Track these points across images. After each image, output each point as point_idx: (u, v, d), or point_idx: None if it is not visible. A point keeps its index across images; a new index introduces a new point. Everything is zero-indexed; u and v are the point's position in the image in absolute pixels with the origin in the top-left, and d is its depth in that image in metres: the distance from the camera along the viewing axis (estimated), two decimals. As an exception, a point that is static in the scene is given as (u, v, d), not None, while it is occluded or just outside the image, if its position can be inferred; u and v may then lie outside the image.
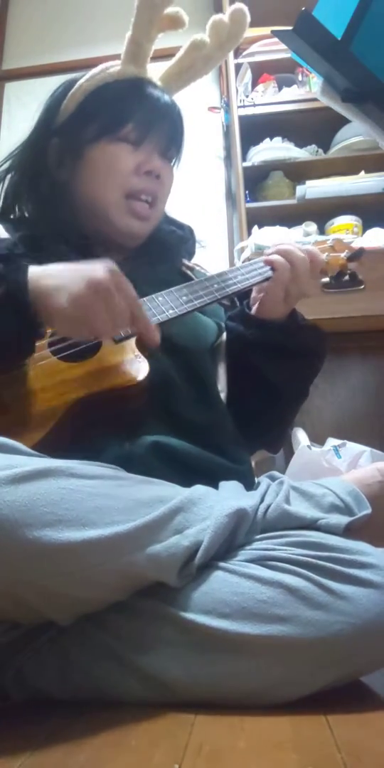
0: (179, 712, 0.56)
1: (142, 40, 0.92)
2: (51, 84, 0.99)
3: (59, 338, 0.76)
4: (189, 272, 0.98)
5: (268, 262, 0.88)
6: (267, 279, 0.88)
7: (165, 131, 0.92)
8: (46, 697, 0.61)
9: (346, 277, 0.97)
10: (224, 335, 0.96)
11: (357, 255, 0.96)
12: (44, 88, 1.01)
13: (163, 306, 0.80)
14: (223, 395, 0.90)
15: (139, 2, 0.90)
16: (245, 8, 0.95)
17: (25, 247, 0.83)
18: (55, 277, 0.69)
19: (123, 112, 0.89)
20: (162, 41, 0.96)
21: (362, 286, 0.97)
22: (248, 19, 0.95)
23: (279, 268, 0.87)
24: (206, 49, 0.96)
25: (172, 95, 0.96)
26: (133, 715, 0.55)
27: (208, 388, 0.86)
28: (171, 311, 0.80)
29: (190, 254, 1.03)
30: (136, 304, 0.70)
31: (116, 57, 0.96)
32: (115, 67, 0.93)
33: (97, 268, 0.68)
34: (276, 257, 0.87)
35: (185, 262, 1.01)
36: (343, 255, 0.96)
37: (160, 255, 0.95)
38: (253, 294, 0.92)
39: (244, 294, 0.91)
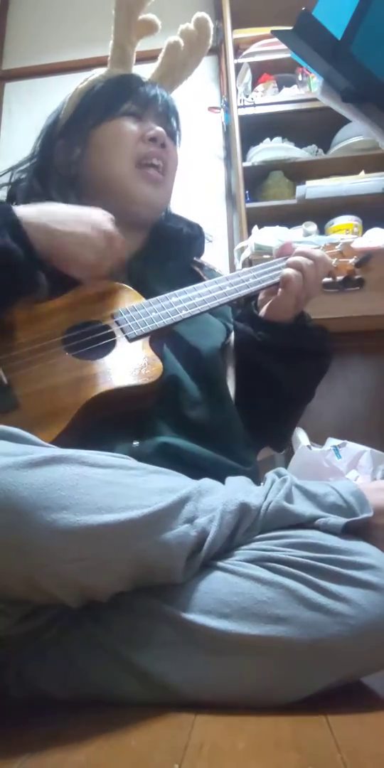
0: (179, 712, 0.56)
1: (124, 43, 1.00)
2: (51, 84, 1.03)
3: (74, 336, 0.77)
4: (199, 270, 1.00)
5: (284, 279, 0.89)
6: (278, 283, 0.89)
7: (162, 107, 0.98)
8: (46, 697, 0.61)
9: (353, 282, 0.97)
10: (232, 336, 0.96)
11: (365, 260, 0.96)
12: (44, 88, 1.05)
13: (175, 306, 0.81)
14: (231, 394, 0.91)
15: (116, 6, 0.98)
16: (207, 16, 1.04)
17: None
18: (57, 221, 0.79)
19: (121, 93, 0.96)
20: (151, 43, 1.03)
21: (362, 286, 0.97)
22: (210, 25, 1.04)
23: (292, 279, 0.88)
24: (181, 54, 1.03)
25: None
26: (133, 715, 0.55)
27: (216, 389, 0.87)
28: (184, 312, 0.81)
29: (200, 252, 1.05)
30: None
31: None
32: (104, 69, 1.01)
33: (101, 217, 0.82)
34: (289, 271, 0.88)
35: (195, 259, 1.02)
36: (351, 261, 0.97)
37: (171, 253, 0.97)
38: (261, 296, 0.93)
39: (251, 295, 0.92)
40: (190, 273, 0.97)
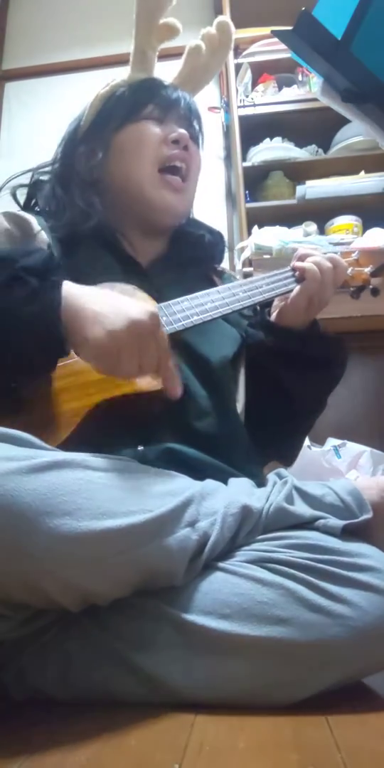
0: (179, 712, 0.56)
1: (145, 48, 0.98)
2: (51, 84, 1.02)
3: None
4: (216, 278, 0.98)
5: (300, 270, 0.88)
6: (291, 291, 0.88)
7: (184, 110, 0.96)
8: (46, 697, 0.61)
9: (367, 291, 0.97)
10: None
11: (381, 270, 0.96)
12: (44, 88, 1.04)
13: (187, 311, 0.79)
14: (240, 405, 0.89)
15: (137, 11, 0.96)
16: (228, 20, 1.03)
17: (60, 249, 0.84)
18: (93, 303, 0.67)
19: (142, 97, 0.94)
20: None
21: (376, 296, 0.98)
22: (232, 28, 1.03)
23: (309, 277, 0.86)
24: (203, 57, 1.02)
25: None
26: (133, 715, 0.55)
27: (224, 400, 0.85)
28: (196, 317, 0.79)
29: (219, 259, 1.03)
30: (166, 355, 0.68)
31: (116, 57, 0.99)
32: (125, 74, 0.99)
33: (140, 309, 0.66)
34: (309, 266, 0.87)
35: (214, 267, 1.01)
36: (367, 270, 0.96)
37: (190, 259, 0.96)
38: (275, 302, 0.92)
39: (266, 302, 0.91)
40: (207, 280, 0.96)
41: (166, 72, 1.03)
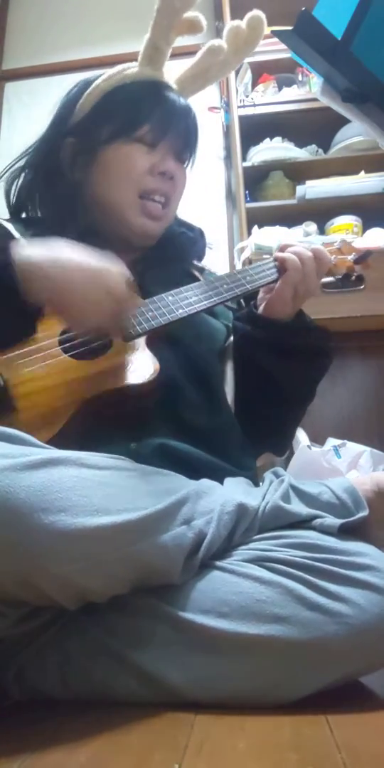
0: (179, 712, 0.56)
1: (161, 44, 0.93)
2: (51, 84, 1.00)
3: (70, 336, 0.76)
4: (198, 274, 0.98)
5: (280, 260, 0.89)
6: (275, 280, 0.88)
7: (180, 134, 0.93)
8: (46, 697, 0.61)
9: (352, 279, 0.97)
10: (232, 337, 0.96)
11: (364, 257, 0.96)
12: (44, 88, 1.02)
13: (172, 305, 0.80)
14: (229, 397, 0.90)
15: (159, 6, 0.91)
16: (262, 15, 0.96)
17: None
18: (63, 267, 0.69)
19: (140, 114, 0.90)
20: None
21: (362, 286, 0.97)
22: (265, 25, 0.97)
23: (290, 267, 0.87)
24: (223, 55, 0.97)
25: (187, 98, 0.97)
26: (133, 715, 0.55)
27: (214, 392, 0.86)
28: (181, 311, 0.80)
29: (200, 256, 1.03)
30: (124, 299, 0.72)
31: (116, 57, 0.96)
32: (132, 68, 0.94)
33: (113, 274, 0.70)
34: (288, 256, 0.88)
35: (195, 263, 1.01)
36: (349, 257, 0.97)
37: (171, 256, 0.96)
38: (260, 294, 0.93)
39: (251, 295, 0.92)
40: (190, 277, 0.96)
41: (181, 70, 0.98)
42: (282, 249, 0.91)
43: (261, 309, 0.92)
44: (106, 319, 0.71)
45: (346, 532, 0.66)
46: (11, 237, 0.82)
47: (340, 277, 0.97)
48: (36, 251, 0.71)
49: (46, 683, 0.61)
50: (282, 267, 0.89)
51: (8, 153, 0.97)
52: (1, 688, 0.62)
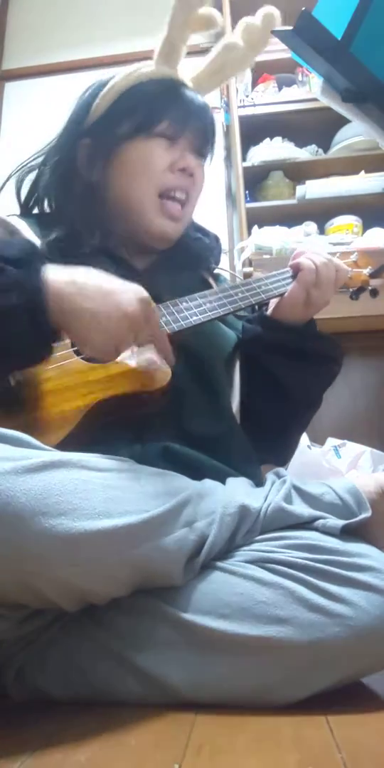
0: (179, 712, 0.56)
1: (177, 41, 0.92)
2: (51, 84, 0.99)
3: None
4: (212, 281, 0.98)
5: (294, 266, 0.89)
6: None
7: (199, 130, 0.92)
8: (46, 697, 0.61)
9: (366, 292, 0.97)
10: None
11: (380, 271, 0.96)
12: (44, 88, 1.01)
13: (187, 312, 0.80)
14: (234, 405, 0.89)
15: (175, 3, 0.90)
16: (277, 11, 0.95)
17: (50, 253, 0.81)
18: (84, 298, 0.66)
19: (159, 109, 0.89)
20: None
21: (376, 296, 0.98)
22: (279, 21, 0.96)
23: (304, 268, 0.87)
24: (238, 51, 0.97)
25: (204, 96, 0.96)
26: (133, 715, 0.55)
27: (219, 400, 0.85)
28: (195, 318, 0.79)
29: (215, 262, 1.02)
30: (160, 337, 0.72)
31: (116, 57, 0.96)
32: (148, 67, 0.93)
33: (130, 298, 0.67)
34: (303, 259, 0.88)
35: (210, 269, 1.00)
36: (365, 271, 0.97)
37: (185, 262, 0.95)
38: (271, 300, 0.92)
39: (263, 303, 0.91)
40: (204, 283, 0.95)
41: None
42: (297, 256, 0.90)
43: (270, 311, 0.91)
44: (127, 346, 0.70)
45: (348, 533, 0.66)
46: (38, 253, 0.77)
47: (354, 290, 0.97)
48: (63, 277, 0.68)
49: (46, 683, 0.61)
50: (296, 269, 0.88)
51: (8, 153, 0.96)
52: (2, 688, 0.62)
